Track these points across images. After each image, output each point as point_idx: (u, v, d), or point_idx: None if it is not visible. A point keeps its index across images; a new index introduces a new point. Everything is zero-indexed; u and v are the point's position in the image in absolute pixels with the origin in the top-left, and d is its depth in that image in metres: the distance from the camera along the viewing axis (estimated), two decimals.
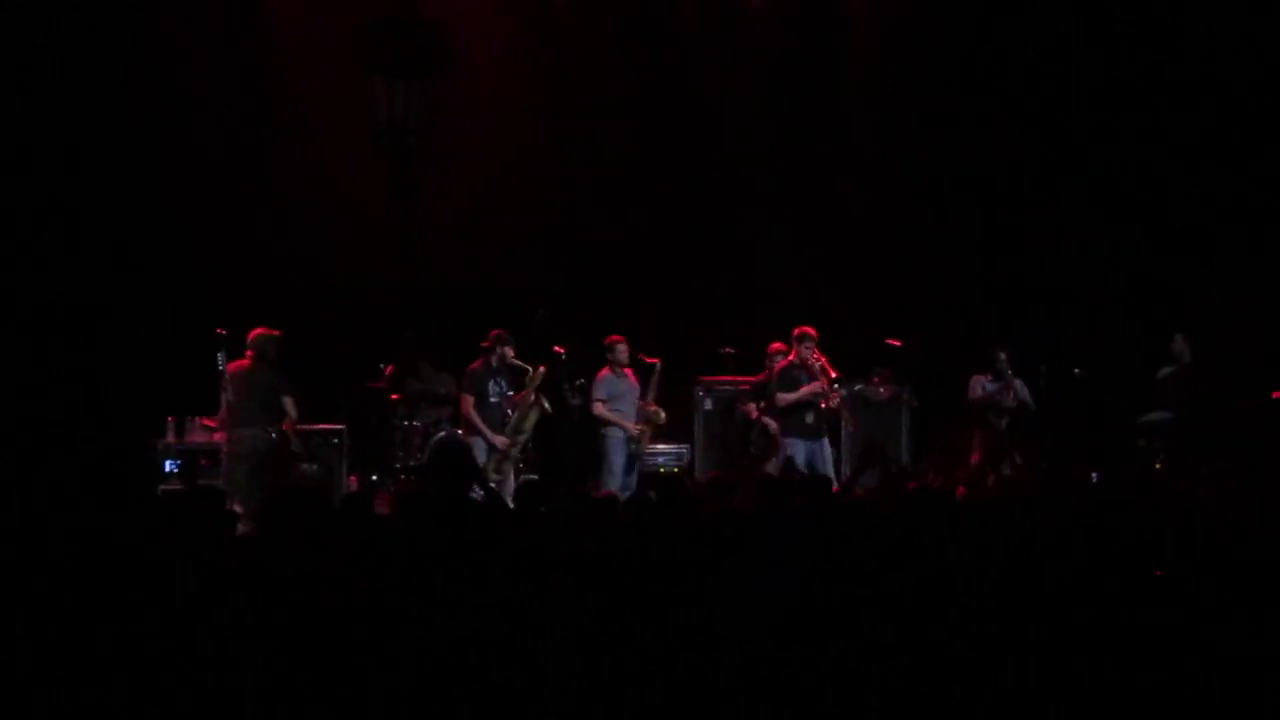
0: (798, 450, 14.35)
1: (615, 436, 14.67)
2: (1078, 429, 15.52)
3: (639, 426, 14.68)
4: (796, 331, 14.52)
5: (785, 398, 14.43)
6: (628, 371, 14.75)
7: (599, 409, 14.65)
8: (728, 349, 15.69)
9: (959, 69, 17.41)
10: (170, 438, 14.55)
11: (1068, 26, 17.18)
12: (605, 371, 14.68)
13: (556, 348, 14.42)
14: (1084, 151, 17.10)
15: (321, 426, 14.77)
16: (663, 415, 14.83)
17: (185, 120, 16.28)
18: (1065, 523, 7.59)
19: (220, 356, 13.56)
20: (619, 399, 14.69)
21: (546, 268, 17.19)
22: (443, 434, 15.64)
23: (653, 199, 17.60)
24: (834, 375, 14.47)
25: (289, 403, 13.44)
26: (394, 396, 15.92)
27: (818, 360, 14.41)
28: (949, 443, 15.84)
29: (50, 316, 15.11)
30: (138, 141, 15.94)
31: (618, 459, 14.62)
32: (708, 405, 15.74)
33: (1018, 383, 15.57)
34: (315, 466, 14.58)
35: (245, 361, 13.54)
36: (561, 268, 17.27)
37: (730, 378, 15.75)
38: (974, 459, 15.41)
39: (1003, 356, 15.58)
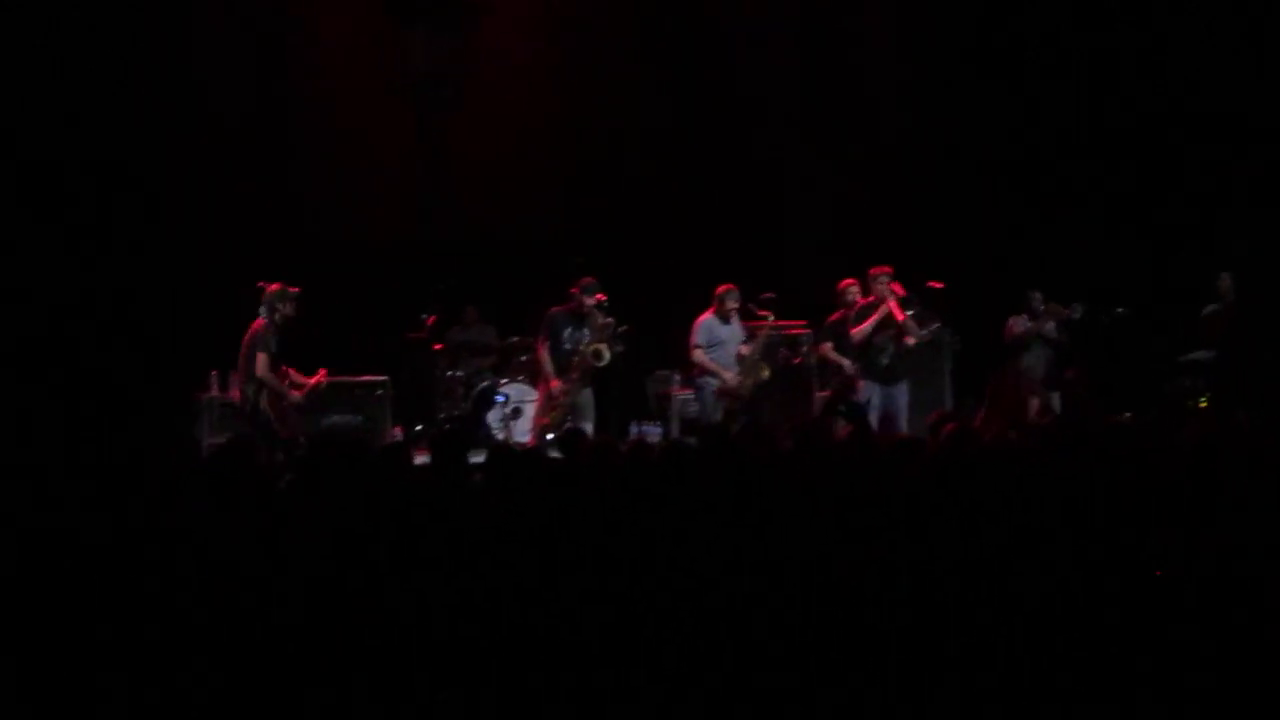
0: (873, 393, 14.23)
1: (709, 386, 14.41)
2: (1119, 368, 15.45)
3: (738, 377, 14.42)
4: (872, 271, 14.31)
5: (856, 331, 14.30)
6: (735, 318, 14.52)
7: (697, 355, 14.43)
8: (767, 294, 15.57)
9: (994, 6, 17.33)
10: (214, 390, 14.61)
11: None
12: (705, 316, 14.45)
13: (599, 295, 14.29)
14: (1125, 86, 16.97)
15: (364, 378, 14.81)
16: (766, 371, 14.47)
17: (213, 75, 16.33)
18: (1095, 464, 7.53)
19: (262, 310, 13.61)
20: (718, 346, 14.40)
21: (578, 215, 17.17)
22: (486, 384, 15.71)
23: (682, 144, 17.60)
24: (903, 294, 14.27)
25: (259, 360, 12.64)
26: (436, 347, 15.98)
27: (894, 292, 14.27)
28: (994, 385, 15.80)
29: (91, 276, 15.24)
30: (169, 100, 16.03)
31: (713, 409, 14.38)
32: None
33: (1055, 306, 15.49)
34: (360, 418, 14.64)
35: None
36: (592, 215, 17.23)
37: (772, 323, 15.59)
38: (998, 404, 15.40)
39: (1037, 295, 15.53)
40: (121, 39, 15.84)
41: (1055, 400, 15.55)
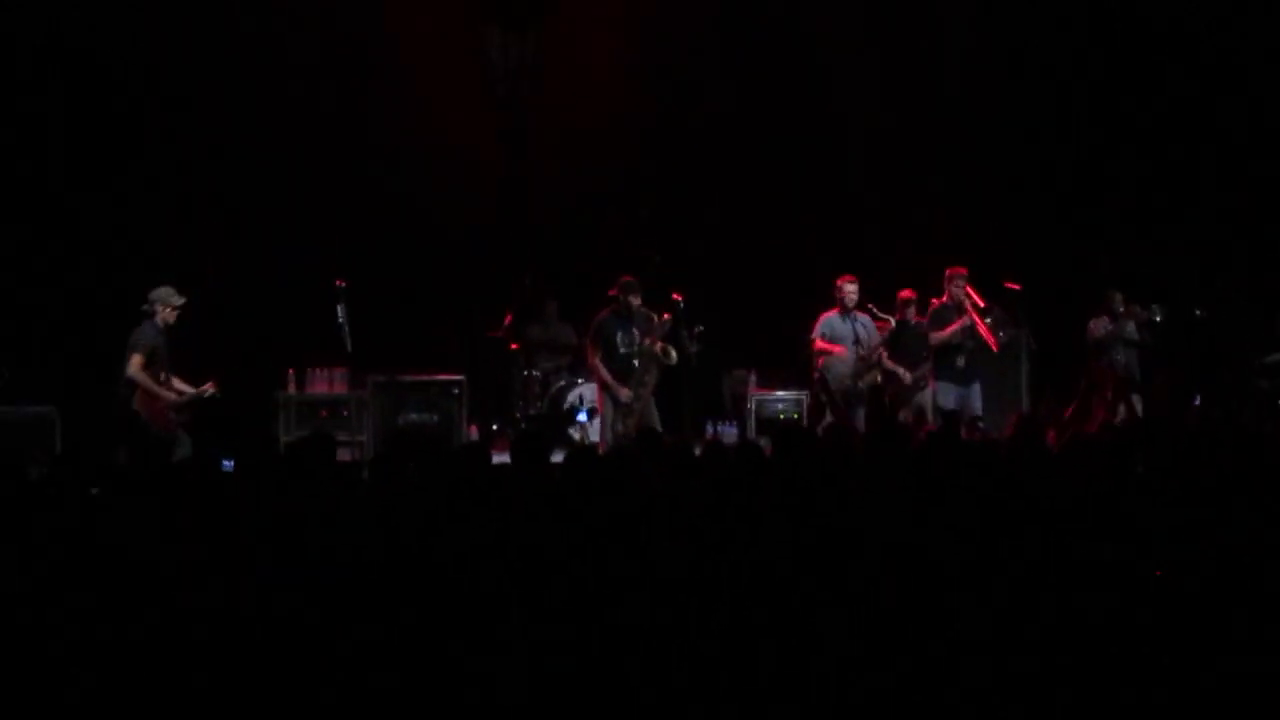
0: (949, 395, 14.22)
1: (834, 366, 14.22)
2: (1197, 371, 15.32)
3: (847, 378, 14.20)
4: (948, 272, 14.37)
5: (937, 336, 14.28)
6: (859, 314, 14.36)
7: (819, 345, 14.26)
8: None
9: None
10: (291, 388, 14.70)
11: None
12: (829, 313, 14.32)
13: (675, 295, 14.19)
14: (1199, 87, 16.83)
15: (440, 376, 14.86)
16: (878, 375, 14.26)
17: (294, 74, 16.40)
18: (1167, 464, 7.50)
19: (340, 309, 13.67)
20: (837, 343, 14.27)
21: (656, 212, 17.12)
22: (563, 383, 15.72)
23: (761, 138, 17.51)
24: (982, 305, 14.30)
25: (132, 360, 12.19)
26: (513, 345, 16.00)
27: (969, 296, 14.28)
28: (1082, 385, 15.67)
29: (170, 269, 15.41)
30: (248, 97, 16.14)
31: (845, 382, 14.20)
32: None
33: (1135, 307, 15.37)
34: (436, 416, 14.68)
35: None
36: (672, 212, 17.18)
37: (894, 324, 15.33)
38: (1094, 399, 15.28)
39: (1118, 297, 15.40)
40: (206, 34, 15.99)
41: (1137, 402, 15.42)
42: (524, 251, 16.91)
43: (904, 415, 14.20)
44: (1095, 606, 5.86)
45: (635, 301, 13.76)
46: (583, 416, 14.97)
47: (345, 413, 14.48)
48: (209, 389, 12.45)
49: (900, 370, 14.39)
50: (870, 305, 14.46)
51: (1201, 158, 16.80)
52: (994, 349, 14.32)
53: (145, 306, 12.29)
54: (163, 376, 12.27)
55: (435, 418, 14.61)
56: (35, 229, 15.49)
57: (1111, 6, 17.12)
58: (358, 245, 15.86)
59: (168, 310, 12.30)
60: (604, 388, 13.86)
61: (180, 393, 12.36)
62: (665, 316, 13.76)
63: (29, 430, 13.63)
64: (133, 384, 12.09)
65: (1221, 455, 7.59)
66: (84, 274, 15.40)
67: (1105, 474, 7.41)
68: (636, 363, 13.75)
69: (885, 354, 14.42)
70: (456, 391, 14.92)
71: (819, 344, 14.26)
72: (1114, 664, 5.62)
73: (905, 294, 14.61)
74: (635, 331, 13.79)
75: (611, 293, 13.81)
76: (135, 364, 12.08)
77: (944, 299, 14.42)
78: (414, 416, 14.59)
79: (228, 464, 8.28)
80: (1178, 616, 5.85)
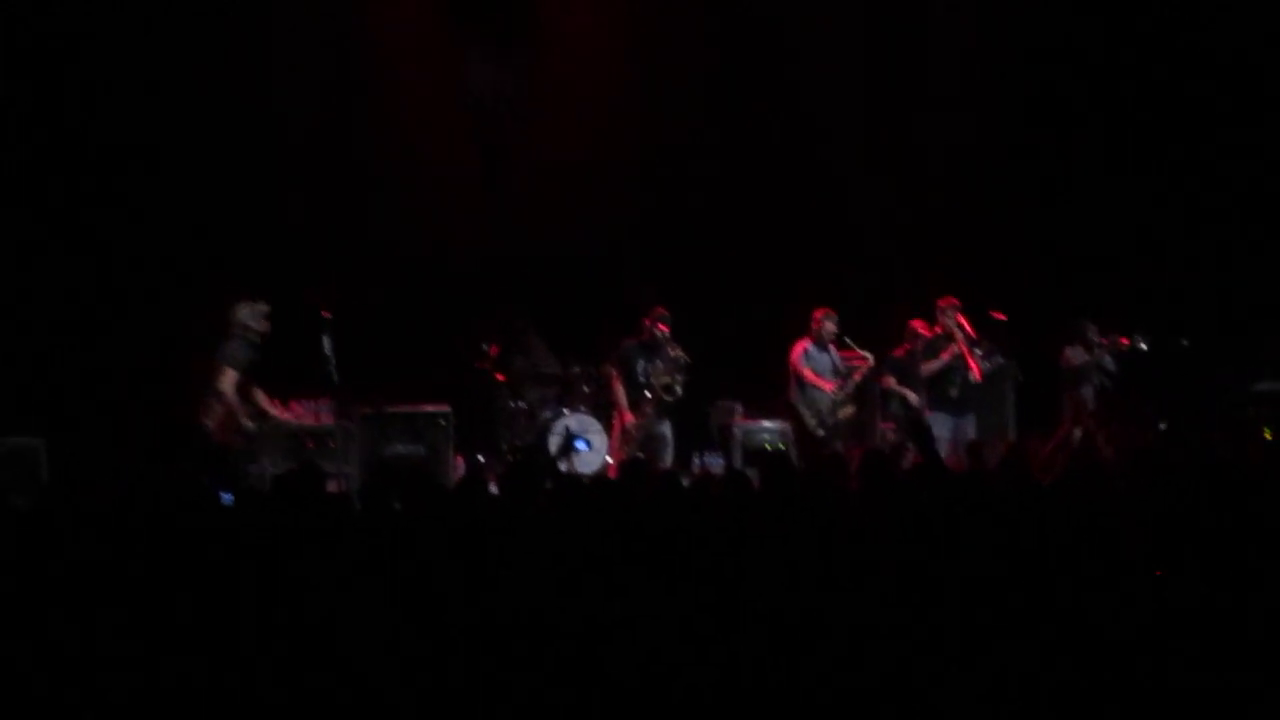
0: (942, 424, 14.27)
1: (822, 399, 14.55)
2: (1184, 400, 15.33)
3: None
4: (940, 303, 14.56)
5: (928, 366, 14.43)
6: (832, 347, 14.63)
7: (807, 374, 14.50)
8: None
9: (1055, 31, 17.23)
10: None
11: None
12: (803, 343, 14.58)
13: (662, 326, 14.23)
14: (1185, 115, 16.85)
15: (427, 408, 14.82)
16: (851, 409, 14.65)
17: (280, 100, 16.44)
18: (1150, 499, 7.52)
19: (325, 340, 13.61)
20: (820, 375, 14.56)
21: (642, 238, 17.14)
22: (548, 414, 15.67)
23: (745, 166, 17.51)
24: (973, 335, 14.42)
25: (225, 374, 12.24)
26: (499, 377, 15.97)
27: (961, 324, 14.42)
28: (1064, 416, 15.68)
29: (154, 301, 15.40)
30: (232, 124, 16.13)
31: (829, 414, 14.52)
32: None
33: (1113, 337, 15.40)
34: (423, 448, 14.63)
35: None
36: (656, 238, 17.22)
37: (870, 364, 15.37)
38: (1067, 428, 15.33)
39: (1092, 327, 15.43)
40: (191, 58, 16.00)
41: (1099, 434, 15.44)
42: (509, 282, 16.89)
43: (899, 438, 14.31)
44: (1082, 631, 5.89)
45: (661, 333, 13.88)
46: (581, 445, 14.96)
47: (331, 444, 14.43)
48: (295, 420, 12.51)
49: (908, 393, 14.49)
50: (844, 337, 14.58)
51: (1189, 185, 16.79)
52: (977, 377, 14.44)
53: (235, 332, 12.28)
54: (252, 393, 12.31)
55: (422, 449, 14.57)
56: (20, 259, 15.46)
57: (1092, 36, 17.15)
58: (343, 276, 15.83)
59: (262, 324, 12.37)
60: (617, 412, 14.13)
61: (262, 414, 12.40)
62: (680, 352, 13.90)
63: (14, 462, 13.58)
64: (221, 397, 12.04)
65: (1191, 486, 7.59)
66: (70, 305, 15.36)
67: (1091, 504, 7.42)
68: (648, 393, 13.88)
69: (892, 380, 14.54)
70: (443, 423, 14.87)
71: (810, 376, 14.37)
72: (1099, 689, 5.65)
73: (915, 324, 14.76)
74: (658, 362, 13.97)
75: (645, 321, 13.96)
76: (228, 380, 12.08)
77: (937, 329, 14.56)
78: (400, 448, 14.54)
79: (227, 497, 8.25)
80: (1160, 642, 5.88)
